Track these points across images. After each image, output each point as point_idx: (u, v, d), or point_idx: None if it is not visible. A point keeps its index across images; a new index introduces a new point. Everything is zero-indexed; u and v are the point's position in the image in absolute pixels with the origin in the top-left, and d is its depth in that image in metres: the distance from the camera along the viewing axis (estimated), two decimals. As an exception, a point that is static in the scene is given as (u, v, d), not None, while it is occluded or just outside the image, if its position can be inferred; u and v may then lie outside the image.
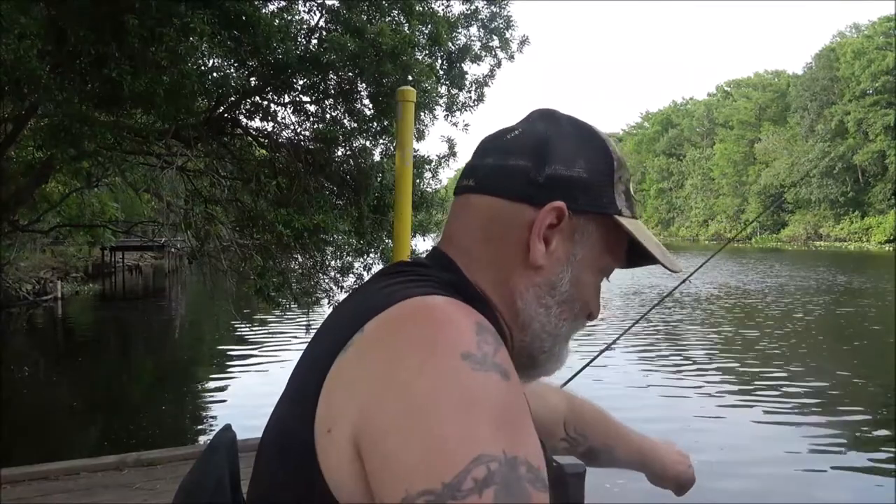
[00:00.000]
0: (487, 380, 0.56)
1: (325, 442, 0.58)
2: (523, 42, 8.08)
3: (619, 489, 5.25)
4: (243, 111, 7.49)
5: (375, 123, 7.00)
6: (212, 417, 8.74)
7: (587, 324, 0.80)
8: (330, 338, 0.65)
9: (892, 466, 6.65)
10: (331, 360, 0.61)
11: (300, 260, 7.92)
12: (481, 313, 0.65)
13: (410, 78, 6.21)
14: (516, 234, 0.72)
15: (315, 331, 0.75)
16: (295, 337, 13.18)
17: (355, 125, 7.13)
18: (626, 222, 0.74)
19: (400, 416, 0.54)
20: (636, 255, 0.77)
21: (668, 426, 7.33)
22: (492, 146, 0.77)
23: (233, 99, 7.06)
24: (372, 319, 0.61)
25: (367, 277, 8.18)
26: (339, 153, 7.24)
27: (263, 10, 6.29)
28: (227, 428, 0.88)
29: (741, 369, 10.97)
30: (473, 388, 0.55)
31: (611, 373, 10.02)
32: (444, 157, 7.81)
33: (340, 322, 0.67)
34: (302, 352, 0.72)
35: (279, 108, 7.35)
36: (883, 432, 7.83)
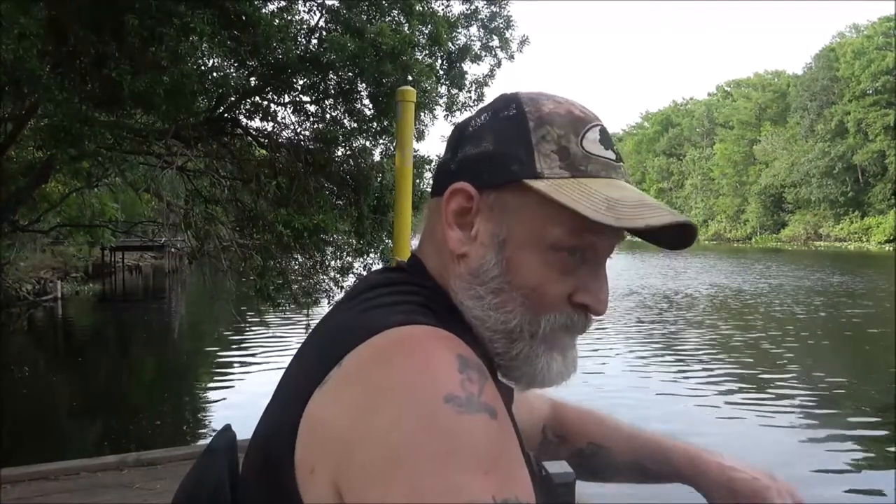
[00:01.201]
0: (474, 422, 0.53)
1: (308, 482, 0.56)
2: (523, 42, 8.09)
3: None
4: (243, 111, 7.50)
5: (375, 123, 7.01)
6: (212, 417, 8.74)
7: (584, 321, 0.69)
8: (311, 363, 0.63)
9: (893, 470, 6.65)
10: (309, 392, 0.59)
11: (300, 260, 7.92)
12: (457, 324, 0.63)
13: (410, 78, 6.21)
14: (442, 228, 0.70)
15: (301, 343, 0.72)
16: (295, 337, 13.18)
17: (355, 125, 7.14)
18: (550, 184, 0.64)
19: (381, 467, 0.51)
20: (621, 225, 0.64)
21: (667, 428, 7.34)
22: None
23: (233, 99, 7.06)
24: (350, 353, 0.58)
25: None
26: (339, 153, 7.25)
27: (263, 10, 6.28)
28: (227, 428, 0.88)
29: (739, 372, 10.96)
30: (458, 434, 0.52)
31: (610, 379, 10.02)
32: (444, 157, 7.82)
33: (322, 344, 0.65)
34: (288, 365, 0.70)
35: (279, 108, 7.36)
36: (883, 434, 7.83)
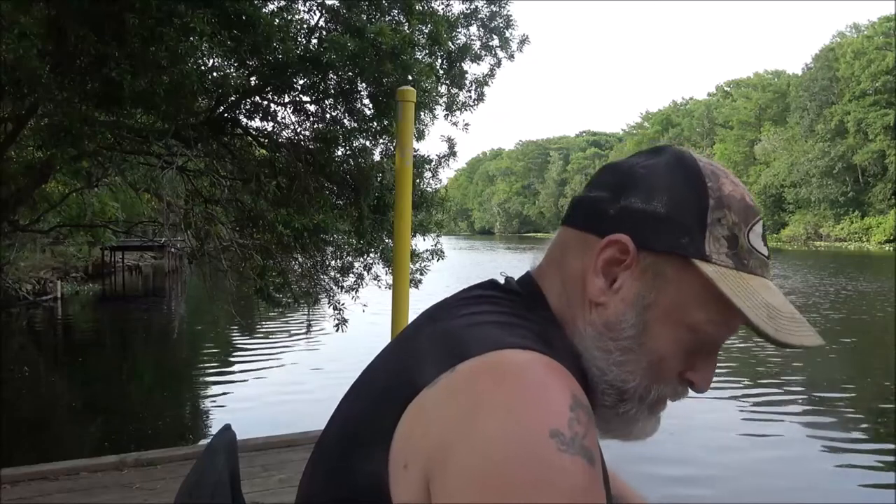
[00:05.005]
0: (572, 463, 0.53)
1: (400, 476, 0.57)
2: (523, 41, 8.07)
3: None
4: (243, 111, 7.48)
5: (375, 123, 6.99)
6: (212, 417, 8.74)
7: (684, 394, 0.70)
8: (418, 361, 0.63)
9: (893, 473, 6.65)
10: (414, 389, 0.59)
11: (300, 260, 7.91)
12: (569, 362, 0.62)
13: (410, 78, 6.20)
14: (581, 267, 0.69)
15: (401, 333, 0.73)
16: (295, 337, 13.19)
17: (355, 125, 7.12)
18: (716, 271, 0.64)
19: (473, 479, 0.52)
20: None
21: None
22: (590, 179, 0.74)
23: (233, 99, 7.05)
24: (465, 362, 0.58)
25: (366, 277, 7.99)
26: (339, 153, 7.23)
27: (263, 10, 6.28)
28: (227, 428, 0.88)
29: (737, 375, 10.96)
30: (554, 470, 0.52)
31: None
32: (444, 156, 7.80)
33: (432, 346, 0.64)
34: (379, 355, 0.71)
35: (279, 107, 7.34)
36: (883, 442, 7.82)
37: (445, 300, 0.73)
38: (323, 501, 0.64)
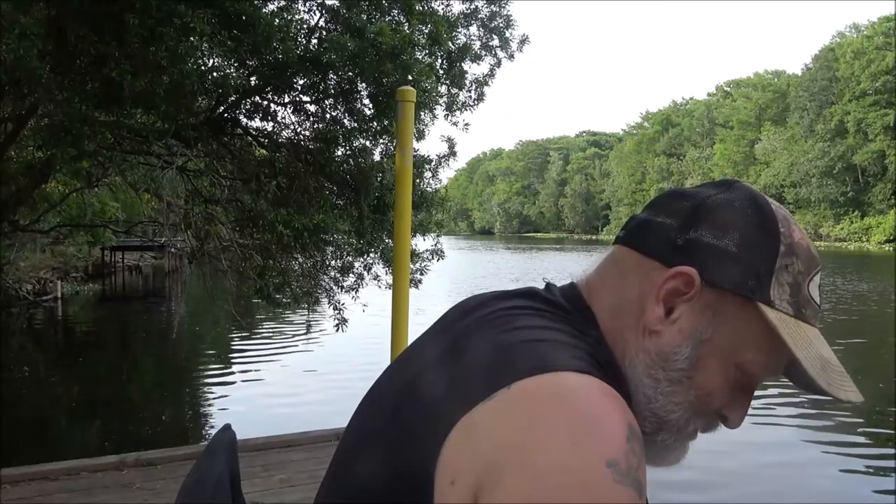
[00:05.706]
0: (626, 495, 0.53)
1: (447, 491, 0.56)
2: (523, 41, 8.07)
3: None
4: (243, 111, 7.49)
5: (375, 123, 7.00)
6: (212, 417, 8.74)
7: (716, 427, 0.71)
8: (470, 373, 0.61)
9: (893, 473, 6.64)
10: (467, 404, 0.58)
11: (300, 260, 7.92)
12: (613, 384, 0.61)
13: (410, 78, 6.20)
14: (640, 291, 0.68)
15: (429, 332, 0.72)
16: (295, 337, 13.19)
17: (355, 125, 7.13)
18: (778, 317, 0.64)
19: (525, 501, 0.52)
20: (796, 370, 0.66)
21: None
22: (653, 201, 0.74)
23: (233, 99, 7.06)
24: (523, 380, 0.57)
25: (366, 277, 7.99)
26: (339, 153, 7.23)
27: (263, 10, 6.28)
28: (227, 428, 0.88)
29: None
30: (606, 500, 0.52)
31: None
32: (444, 156, 7.80)
33: (483, 358, 0.62)
34: (416, 347, 0.71)
35: (279, 107, 7.34)
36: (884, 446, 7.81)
37: (483, 308, 0.70)
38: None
